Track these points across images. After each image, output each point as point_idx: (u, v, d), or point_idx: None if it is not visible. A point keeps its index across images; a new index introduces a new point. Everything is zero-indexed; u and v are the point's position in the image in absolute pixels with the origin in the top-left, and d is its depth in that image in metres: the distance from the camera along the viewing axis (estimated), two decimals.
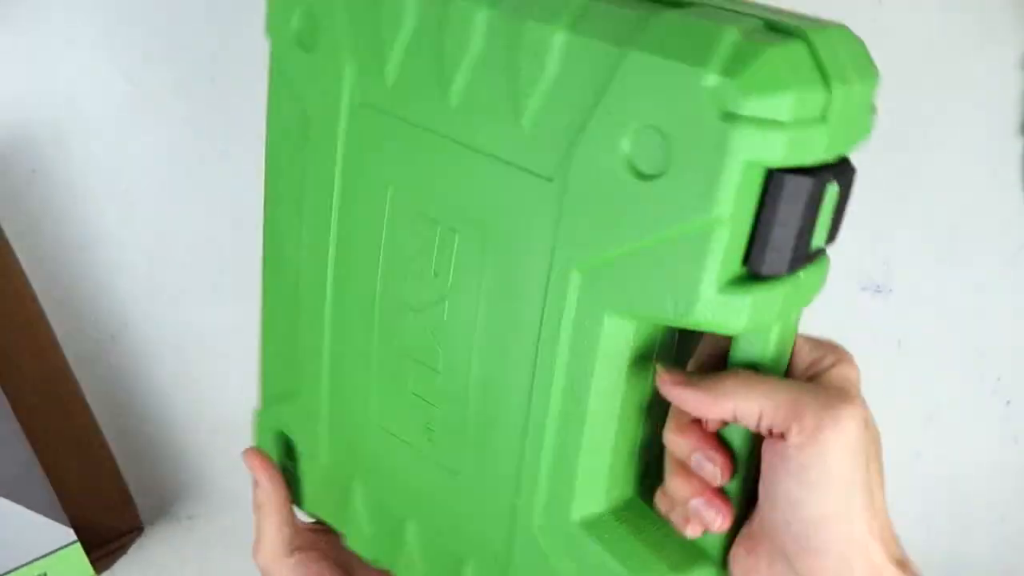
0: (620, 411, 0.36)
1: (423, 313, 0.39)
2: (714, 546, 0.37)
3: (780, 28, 0.30)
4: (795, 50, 0.29)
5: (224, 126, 0.65)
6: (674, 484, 0.36)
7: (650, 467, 0.39)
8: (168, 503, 0.68)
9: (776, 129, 0.29)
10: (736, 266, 0.31)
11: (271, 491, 0.50)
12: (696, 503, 0.36)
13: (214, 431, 0.67)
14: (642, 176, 0.31)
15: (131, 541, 0.65)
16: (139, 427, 0.67)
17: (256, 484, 0.50)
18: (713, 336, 0.37)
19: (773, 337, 0.35)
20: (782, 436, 0.33)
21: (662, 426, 0.37)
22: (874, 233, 0.65)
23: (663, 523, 0.38)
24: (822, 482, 0.33)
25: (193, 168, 0.66)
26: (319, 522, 0.51)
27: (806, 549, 0.33)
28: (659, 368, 0.35)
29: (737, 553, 0.36)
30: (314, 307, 0.43)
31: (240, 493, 0.67)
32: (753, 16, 0.30)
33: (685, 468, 0.36)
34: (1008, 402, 0.66)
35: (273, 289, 0.46)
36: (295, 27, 0.39)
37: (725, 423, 0.36)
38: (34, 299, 0.65)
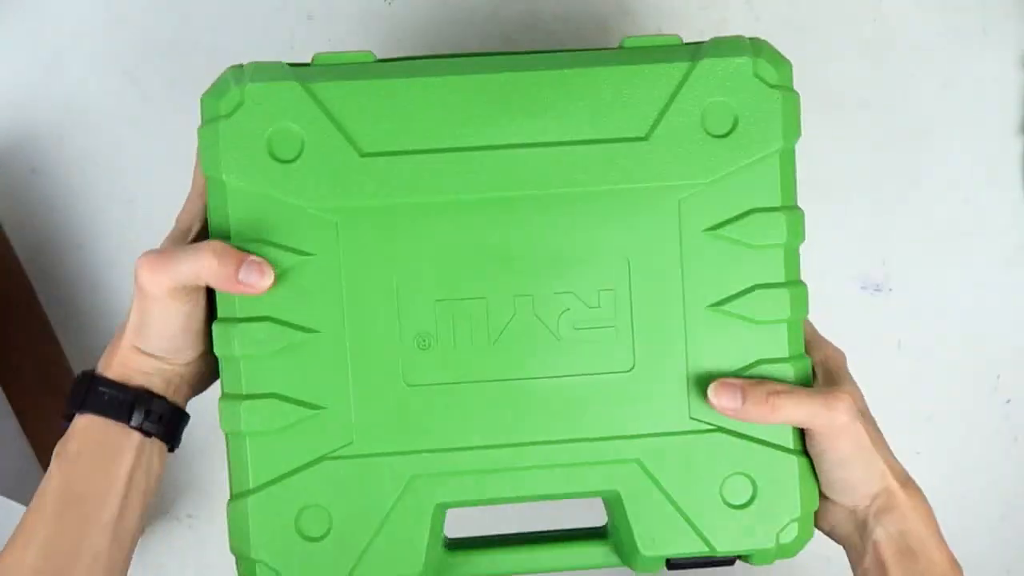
0: None
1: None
2: None
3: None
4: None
5: None
6: None
7: None
8: (168, 503, 0.68)
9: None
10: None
11: (238, 287, 0.45)
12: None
13: (214, 431, 0.67)
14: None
15: None
16: None
17: (239, 273, 0.45)
18: None
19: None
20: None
21: None
22: (874, 233, 0.65)
23: None
24: (838, 461, 0.47)
25: (193, 168, 0.66)
26: None
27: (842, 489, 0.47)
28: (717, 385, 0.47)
29: None
30: None
31: None
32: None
33: None
34: (1008, 401, 0.66)
35: None
36: None
37: None
38: (34, 298, 0.66)
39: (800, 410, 0.45)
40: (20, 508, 0.58)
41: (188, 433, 0.67)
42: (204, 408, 0.67)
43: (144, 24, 0.65)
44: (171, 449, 0.48)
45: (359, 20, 0.64)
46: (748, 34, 0.64)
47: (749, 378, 0.47)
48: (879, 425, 0.48)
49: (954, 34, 0.64)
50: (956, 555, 0.67)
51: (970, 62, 0.64)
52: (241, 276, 0.44)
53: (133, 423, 0.45)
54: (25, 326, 0.64)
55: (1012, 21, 0.64)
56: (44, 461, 0.59)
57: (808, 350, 0.49)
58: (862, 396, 0.48)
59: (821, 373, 0.49)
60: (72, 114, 0.66)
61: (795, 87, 0.55)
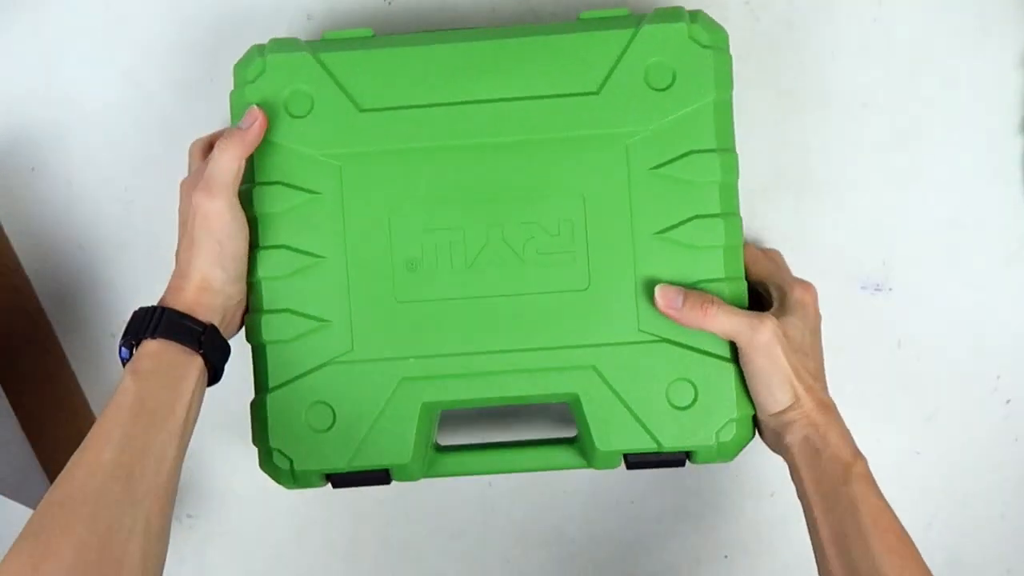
0: None
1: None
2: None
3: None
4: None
5: (224, 126, 0.65)
6: None
7: None
8: None
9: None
10: None
11: (257, 133, 0.54)
12: None
13: (214, 431, 0.67)
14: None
15: None
16: None
17: (239, 126, 0.54)
18: None
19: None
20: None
21: None
22: (874, 232, 0.65)
23: None
24: (756, 373, 0.54)
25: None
26: None
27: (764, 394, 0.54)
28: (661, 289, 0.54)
29: None
30: None
31: (240, 493, 0.67)
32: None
33: None
34: (1008, 401, 0.66)
35: None
36: None
37: None
38: (34, 298, 0.66)
39: (729, 322, 0.53)
40: (20, 508, 0.58)
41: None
42: (204, 410, 0.67)
43: (144, 24, 0.65)
44: (213, 382, 0.55)
45: (358, 20, 0.64)
46: (748, 34, 0.65)
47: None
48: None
49: (954, 34, 0.64)
50: (956, 555, 0.67)
51: (970, 62, 0.64)
52: (243, 126, 0.54)
53: (201, 350, 0.52)
54: (25, 326, 0.64)
55: (1012, 21, 0.64)
56: (44, 461, 0.59)
57: (776, 281, 0.57)
58: (812, 332, 0.56)
59: (778, 301, 0.56)
60: (72, 114, 0.66)
61: (790, 84, 0.64)
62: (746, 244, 0.59)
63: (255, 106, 0.55)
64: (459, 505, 0.67)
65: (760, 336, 0.52)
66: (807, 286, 0.57)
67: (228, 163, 0.53)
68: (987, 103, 0.64)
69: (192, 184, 0.54)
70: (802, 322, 0.55)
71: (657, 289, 0.54)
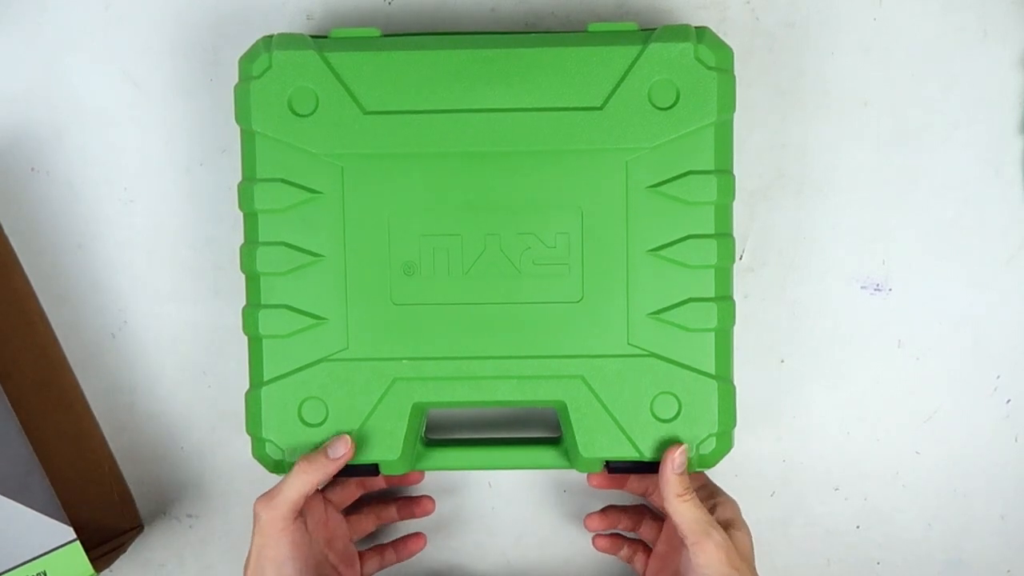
0: None
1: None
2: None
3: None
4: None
5: (224, 126, 0.65)
6: None
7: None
8: (168, 503, 0.68)
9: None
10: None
11: (333, 464, 0.55)
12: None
13: (214, 430, 0.67)
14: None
15: (131, 540, 0.65)
16: (139, 426, 0.67)
17: (327, 452, 0.56)
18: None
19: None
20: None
21: None
22: (874, 232, 0.65)
23: None
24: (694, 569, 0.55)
25: (193, 168, 0.66)
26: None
27: None
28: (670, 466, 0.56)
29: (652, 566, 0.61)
30: None
31: (240, 493, 0.67)
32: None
33: None
34: (1008, 401, 0.66)
35: None
36: None
37: None
38: (33, 298, 0.66)
39: (691, 514, 0.55)
40: (20, 508, 0.58)
41: (188, 432, 0.67)
42: (204, 408, 0.67)
43: (144, 24, 0.65)
44: None
45: (358, 20, 0.64)
46: (748, 34, 0.65)
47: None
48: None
49: (954, 34, 0.64)
50: (956, 555, 0.67)
51: (970, 62, 0.64)
52: (331, 455, 0.56)
53: None
54: (25, 326, 0.64)
55: (1012, 21, 0.64)
56: (44, 461, 0.59)
57: (711, 496, 0.59)
58: (750, 540, 0.58)
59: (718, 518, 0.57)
60: (72, 114, 0.66)
61: (790, 84, 0.65)
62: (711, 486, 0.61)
63: (347, 436, 0.56)
64: (459, 505, 0.67)
65: (708, 541, 0.54)
66: (734, 500, 0.60)
67: (301, 484, 0.55)
68: (987, 103, 0.64)
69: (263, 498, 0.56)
70: (743, 537, 0.57)
71: (681, 449, 0.56)
